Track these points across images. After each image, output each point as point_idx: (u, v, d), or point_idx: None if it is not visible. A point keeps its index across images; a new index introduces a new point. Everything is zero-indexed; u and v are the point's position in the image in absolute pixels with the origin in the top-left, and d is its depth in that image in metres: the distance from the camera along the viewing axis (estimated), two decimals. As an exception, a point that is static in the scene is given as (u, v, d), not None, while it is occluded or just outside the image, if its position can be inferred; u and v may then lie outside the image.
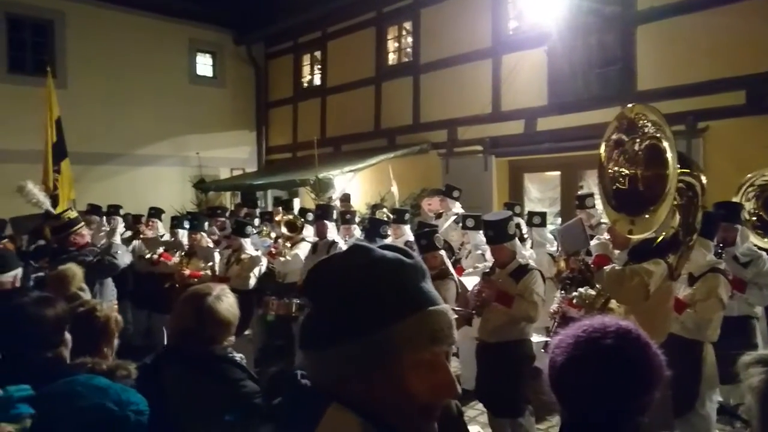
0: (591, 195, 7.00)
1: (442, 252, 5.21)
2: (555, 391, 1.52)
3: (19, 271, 3.74)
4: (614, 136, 3.19)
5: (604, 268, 3.42)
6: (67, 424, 1.35)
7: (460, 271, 6.27)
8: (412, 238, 6.45)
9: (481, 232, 6.44)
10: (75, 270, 3.21)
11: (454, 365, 6.22)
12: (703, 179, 3.15)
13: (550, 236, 6.97)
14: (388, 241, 6.13)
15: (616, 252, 3.69)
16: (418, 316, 0.93)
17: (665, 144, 2.79)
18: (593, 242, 3.74)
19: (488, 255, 5.49)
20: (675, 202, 2.97)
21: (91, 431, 1.36)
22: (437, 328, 0.95)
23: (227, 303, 2.34)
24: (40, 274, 6.70)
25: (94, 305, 2.63)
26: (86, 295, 3.11)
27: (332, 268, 0.98)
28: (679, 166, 2.76)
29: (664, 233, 3.27)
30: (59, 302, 2.35)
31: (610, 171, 3.29)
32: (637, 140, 3.02)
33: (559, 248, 5.66)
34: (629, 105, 3.21)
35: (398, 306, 0.92)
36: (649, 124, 2.89)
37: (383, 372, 0.92)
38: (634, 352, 1.42)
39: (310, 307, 1.00)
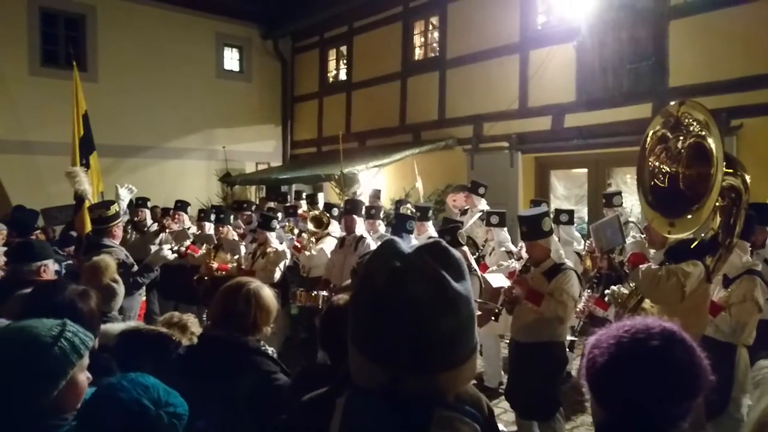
0: (619, 193, 6.91)
1: (465, 248, 5.32)
2: (593, 392, 1.48)
3: (48, 262, 3.70)
4: (659, 131, 3.11)
5: (640, 266, 3.35)
6: (107, 413, 1.39)
7: (485, 267, 6.24)
8: (435, 234, 6.44)
9: (505, 229, 6.44)
10: (108, 261, 3.24)
11: (478, 363, 6.18)
12: (748, 180, 3.06)
13: (577, 234, 6.89)
14: (412, 236, 6.12)
15: (652, 251, 3.61)
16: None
17: (711, 141, 2.72)
18: (628, 240, 3.67)
19: (523, 252, 5.47)
20: (717, 204, 2.90)
21: (124, 423, 1.38)
22: None
23: (268, 292, 2.52)
24: (69, 262, 6.81)
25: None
26: (119, 287, 3.15)
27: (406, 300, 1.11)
28: (724, 164, 2.69)
29: (702, 234, 3.20)
30: (95, 295, 2.42)
31: (650, 163, 3.21)
32: (681, 138, 2.94)
33: (592, 244, 5.58)
34: (676, 101, 3.13)
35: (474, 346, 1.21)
36: (695, 123, 2.82)
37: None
38: (680, 354, 1.37)
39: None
